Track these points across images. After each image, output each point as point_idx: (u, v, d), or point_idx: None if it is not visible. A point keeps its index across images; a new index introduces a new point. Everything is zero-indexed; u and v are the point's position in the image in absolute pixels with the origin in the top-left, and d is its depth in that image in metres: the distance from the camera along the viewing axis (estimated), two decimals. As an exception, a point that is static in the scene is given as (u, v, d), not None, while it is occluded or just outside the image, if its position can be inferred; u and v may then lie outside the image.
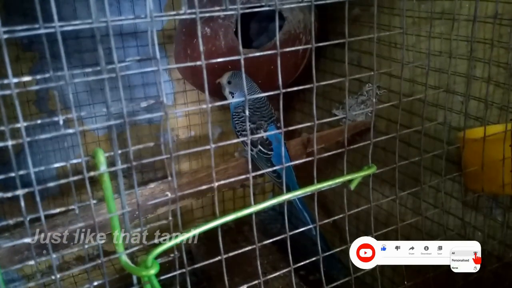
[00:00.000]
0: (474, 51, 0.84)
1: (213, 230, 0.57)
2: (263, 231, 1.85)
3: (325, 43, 0.61)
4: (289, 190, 0.64)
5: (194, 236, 0.53)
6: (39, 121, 0.41)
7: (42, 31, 0.40)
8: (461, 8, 0.99)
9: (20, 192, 0.41)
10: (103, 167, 0.43)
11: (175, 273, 0.50)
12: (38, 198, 0.41)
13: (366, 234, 0.74)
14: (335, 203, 1.28)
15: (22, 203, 0.41)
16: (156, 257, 0.47)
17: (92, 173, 0.43)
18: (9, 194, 0.40)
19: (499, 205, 1.01)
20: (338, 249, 0.76)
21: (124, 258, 0.47)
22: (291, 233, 0.65)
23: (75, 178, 0.43)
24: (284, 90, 0.55)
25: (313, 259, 0.69)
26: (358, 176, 0.60)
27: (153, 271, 0.46)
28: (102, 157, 0.43)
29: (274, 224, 1.86)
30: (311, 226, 0.72)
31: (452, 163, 0.97)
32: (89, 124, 1.45)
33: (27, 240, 0.41)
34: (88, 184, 0.42)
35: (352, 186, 0.62)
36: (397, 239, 0.76)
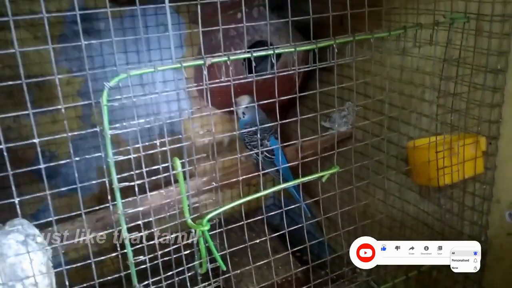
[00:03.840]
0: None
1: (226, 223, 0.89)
2: (266, 222, 2.19)
3: (303, 93, 0.95)
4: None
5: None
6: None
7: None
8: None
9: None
10: (179, 168, 0.76)
11: (221, 229, 0.85)
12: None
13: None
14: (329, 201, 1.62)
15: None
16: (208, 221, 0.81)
17: (174, 172, 0.76)
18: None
19: (443, 195, 1.33)
20: (312, 220, 1.09)
21: (189, 220, 0.80)
22: (286, 209, 0.99)
23: (165, 174, 0.76)
24: (280, 122, 0.89)
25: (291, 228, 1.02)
26: (327, 173, 0.94)
27: (206, 228, 0.79)
28: (178, 163, 0.76)
29: (274, 217, 2.20)
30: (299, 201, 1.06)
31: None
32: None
33: (140, 208, 0.75)
34: (172, 180, 0.75)
35: (324, 179, 0.95)
36: (357, 219, 1.07)
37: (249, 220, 0.92)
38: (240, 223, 0.92)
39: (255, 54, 0.84)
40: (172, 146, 0.77)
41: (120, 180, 0.75)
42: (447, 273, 1.28)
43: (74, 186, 0.74)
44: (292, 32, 1.66)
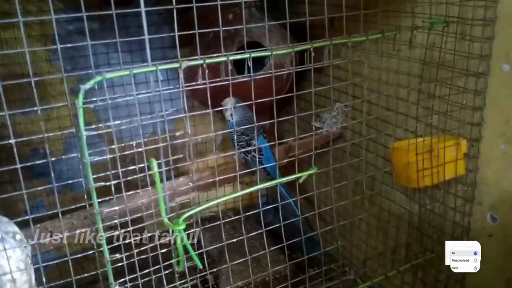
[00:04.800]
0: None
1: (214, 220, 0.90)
2: (258, 221, 2.21)
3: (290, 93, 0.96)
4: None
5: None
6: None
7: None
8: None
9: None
10: (155, 169, 0.78)
11: (197, 229, 0.86)
12: (122, 185, 0.77)
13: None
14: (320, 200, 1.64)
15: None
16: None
17: (150, 172, 0.78)
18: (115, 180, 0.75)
19: (427, 196, 1.35)
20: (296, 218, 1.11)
21: (166, 220, 0.82)
22: (263, 209, 1.00)
23: (142, 175, 0.78)
24: (260, 123, 0.91)
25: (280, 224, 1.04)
26: (304, 174, 0.96)
27: (182, 227, 0.81)
28: (155, 164, 0.78)
29: (267, 215, 2.22)
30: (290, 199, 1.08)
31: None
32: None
33: (116, 208, 0.77)
34: (148, 179, 0.77)
35: (301, 180, 0.97)
36: (335, 219, 1.09)
37: (226, 220, 0.94)
38: (218, 222, 0.93)
39: (231, 58, 0.86)
40: (149, 147, 0.79)
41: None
42: (430, 273, 1.30)
43: (49, 186, 0.76)
44: (285, 34, 1.68)
